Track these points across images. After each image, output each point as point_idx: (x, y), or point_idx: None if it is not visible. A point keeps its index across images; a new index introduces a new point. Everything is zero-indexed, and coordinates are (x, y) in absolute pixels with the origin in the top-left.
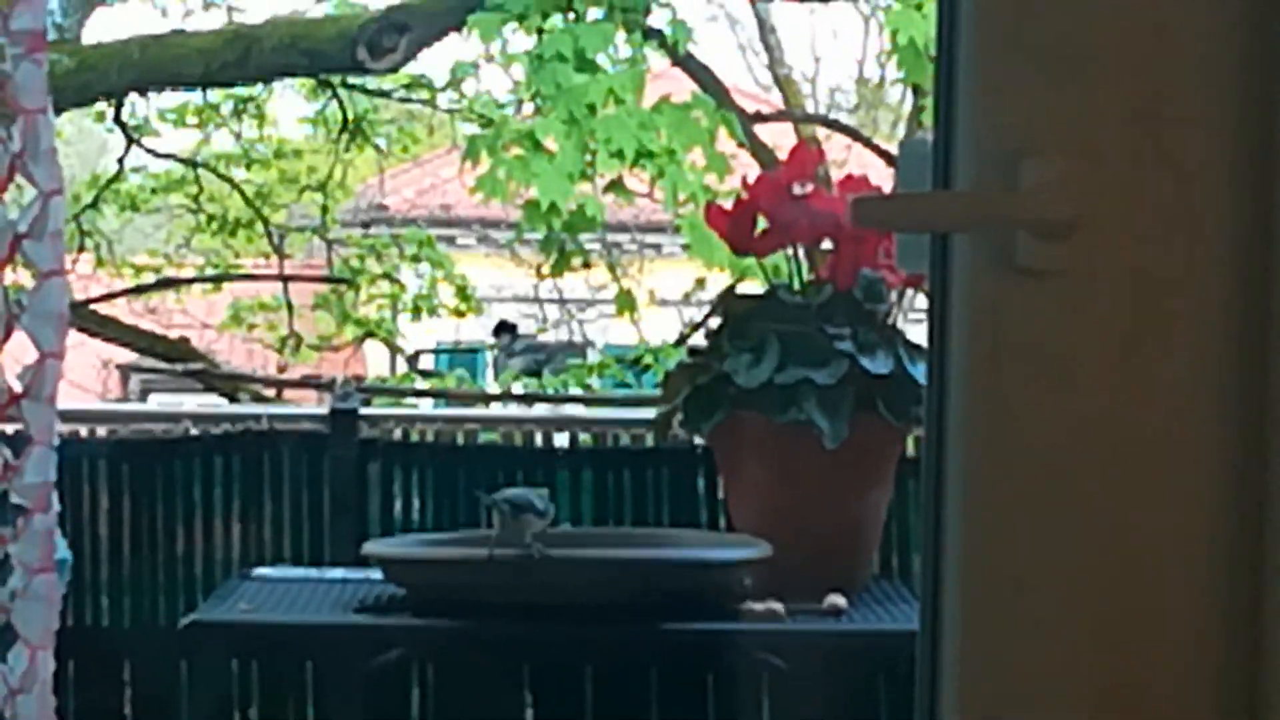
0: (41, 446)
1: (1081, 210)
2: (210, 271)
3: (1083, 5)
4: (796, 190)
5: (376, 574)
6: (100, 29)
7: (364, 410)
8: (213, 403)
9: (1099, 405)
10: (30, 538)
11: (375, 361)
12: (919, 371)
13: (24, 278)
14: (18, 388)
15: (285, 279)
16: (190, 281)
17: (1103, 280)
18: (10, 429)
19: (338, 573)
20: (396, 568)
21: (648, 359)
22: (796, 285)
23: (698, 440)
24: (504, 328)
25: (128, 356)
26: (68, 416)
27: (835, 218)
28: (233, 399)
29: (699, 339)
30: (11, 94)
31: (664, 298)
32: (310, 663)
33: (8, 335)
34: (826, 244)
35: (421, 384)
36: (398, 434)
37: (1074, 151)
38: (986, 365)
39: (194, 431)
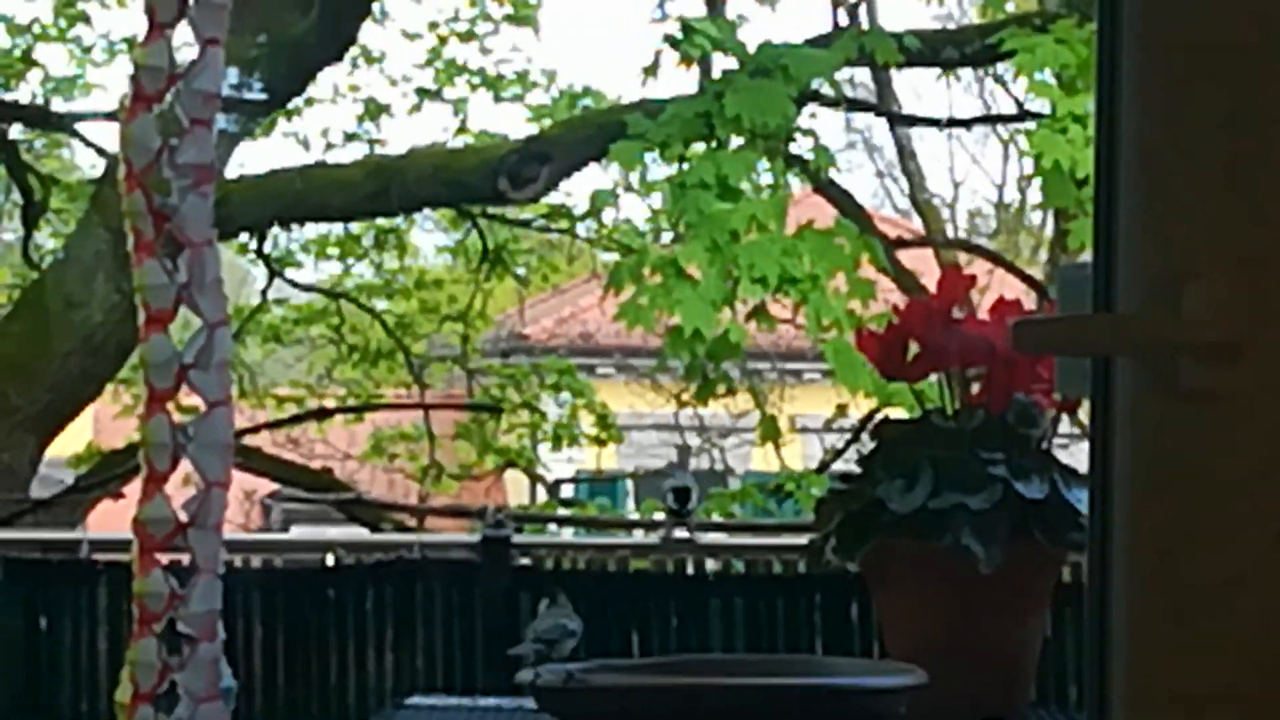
0: (207, 575)
1: (1247, 333)
2: (352, 402)
3: (1242, 125)
4: (955, 314)
5: (530, 703)
6: (243, 163)
7: (515, 539)
8: (356, 534)
9: (1267, 531)
10: (196, 666)
11: (515, 491)
12: (1074, 496)
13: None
14: (183, 517)
15: (429, 406)
16: (337, 412)
17: (1270, 404)
18: (170, 558)
19: (491, 701)
20: (550, 696)
21: (789, 486)
22: (948, 410)
23: (851, 566)
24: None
25: (269, 489)
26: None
27: (987, 342)
28: (375, 529)
29: (841, 465)
30: (178, 226)
31: (804, 424)
32: None
33: (174, 465)
34: (972, 371)
35: (565, 512)
36: (549, 562)
37: (1238, 272)
38: (1150, 490)
39: (347, 560)
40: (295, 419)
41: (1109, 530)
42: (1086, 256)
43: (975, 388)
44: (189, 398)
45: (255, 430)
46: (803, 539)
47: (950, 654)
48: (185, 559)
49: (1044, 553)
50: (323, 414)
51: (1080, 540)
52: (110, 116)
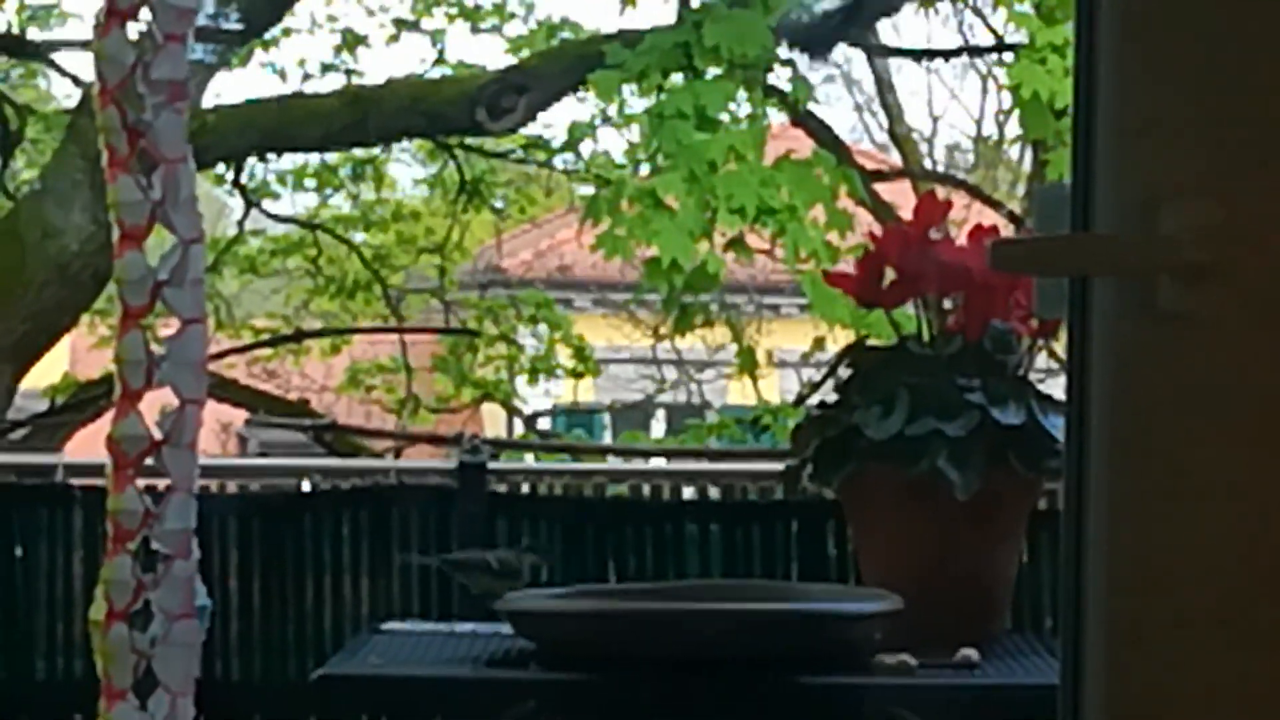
0: (181, 493)
1: (1224, 253)
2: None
3: (1221, 49)
4: (932, 235)
5: (506, 628)
6: (219, 93)
7: (491, 465)
8: (333, 460)
9: (1245, 448)
10: (171, 584)
11: (493, 424)
12: (1050, 423)
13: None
14: (158, 435)
15: (407, 330)
16: (312, 335)
17: (1246, 322)
18: (145, 482)
19: (468, 626)
20: (526, 621)
21: (766, 419)
22: (925, 337)
23: (827, 493)
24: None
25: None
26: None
27: (964, 268)
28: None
29: (819, 397)
30: (152, 142)
31: (782, 358)
32: (440, 717)
33: (149, 383)
34: (948, 303)
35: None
36: (525, 488)
37: (1216, 193)
38: (1128, 410)
39: (323, 486)
40: (270, 342)
41: (1085, 451)
42: None
43: (952, 315)
44: (165, 329)
45: (230, 353)
46: (779, 466)
47: (926, 580)
48: (160, 483)
49: (1020, 479)
50: (299, 337)
51: (1057, 467)
52: (87, 46)
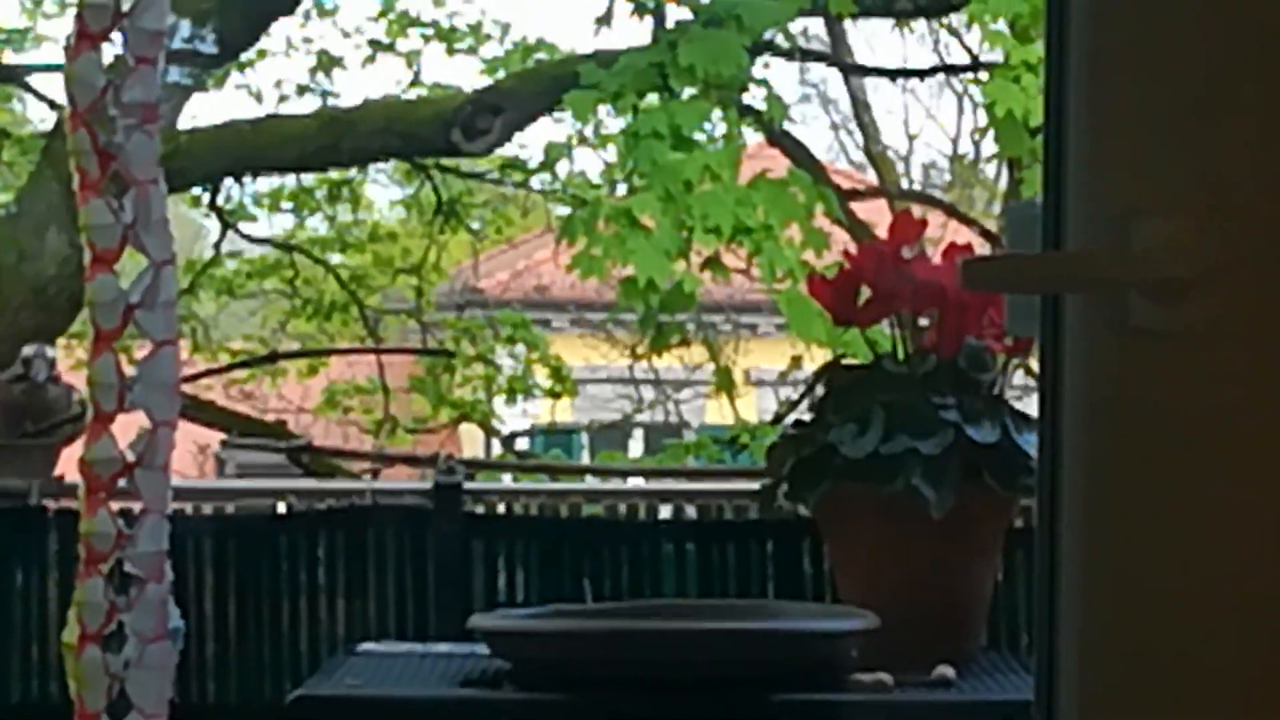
0: (155, 515)
1: (1197, 269)
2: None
3: (1192, 64)
4: (905, 253)
5: (482, 648)
6: (195, 115)
7: (467, 485)
8: (308, 482)
9: (1217, 467)
10: (144, 607)
11: (471, 444)
12: (1025, 441)
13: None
14: (130, 457)
15: (384, 350)
16: (287, 357)
17: (1218, 339)
18: (119, 505)
19: (443, 647)
20: (502, 641)
21: (744, 438)
22: (900, 355)
23: (802, 511)
24: None
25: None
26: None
27: (939, 286)
28: (328, 477)
29: (796, 416)
30: (124, 165)
31: (759, 378)
32: None
33: (121, 405)
34: (924, 321)
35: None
36: (501, 508)
37: (1188, 209)
38: (1100, 427)
39: (298, 507)
40: (246, 364)
41: (1058, 469)
42: None
43: (927, 333)
44: (139, 351)
45: (207, 374)
46: (755, 485)
47: (902, 598)
48: (134, 506)
49: (995, 497)
50: (275, 358)
51: (1031, 484)
52: (61, 69)
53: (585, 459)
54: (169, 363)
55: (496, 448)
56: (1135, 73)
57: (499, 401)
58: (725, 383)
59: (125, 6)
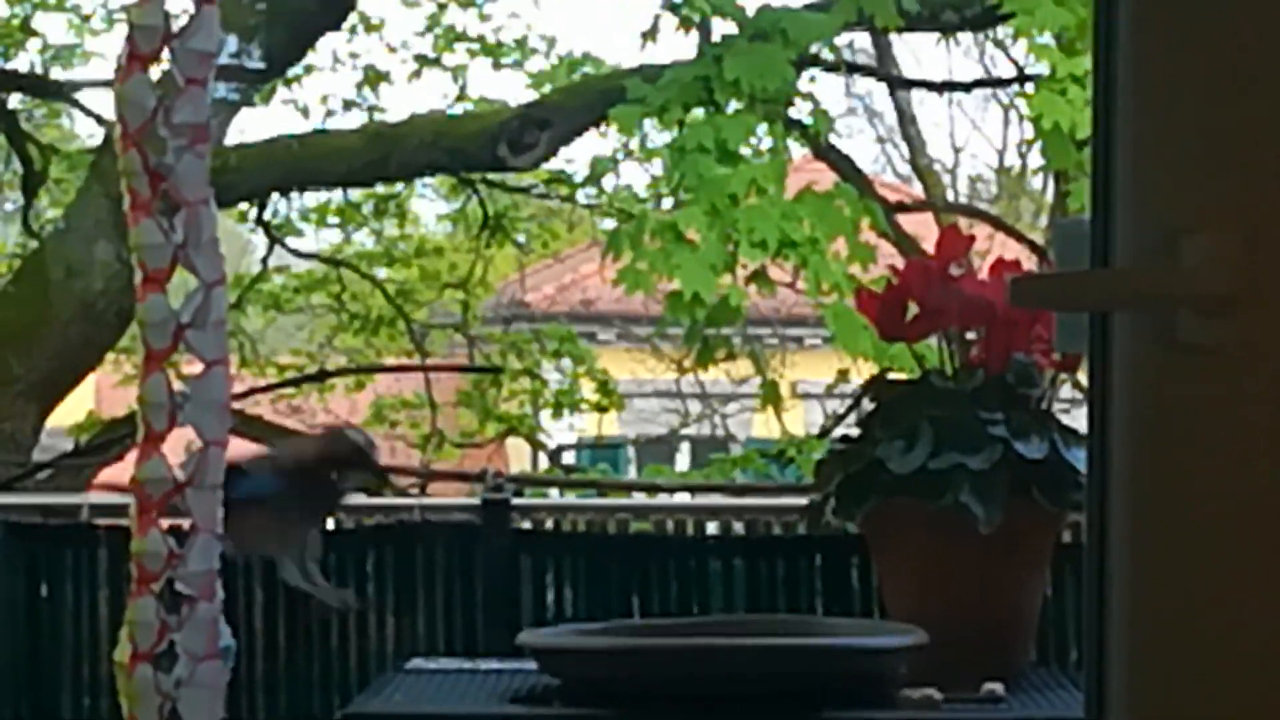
0: (206, 534)
1: (1245, 285)
2: None
3: (1240, 80)
4: (953, 271)
5: (531, 664)
6: (243, 130)
7: (515, 501)
8: (357, 498)
9: (1267, 483)
10: (195, 625)
11: (517, 458)
12: (1074, 456)
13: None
14: (181, 477)
15: (430, 368)
16: (336, 375)
17: (1269, 354)
18: (170, 523)
19: (492, 663)
20: (551, 658)
21: (791, 452)
22: (948, 371)
23: (850, 527)
24: None
25: None
26: None
27: (987, 302)
28: (377, 496)
29: (843, 429)
30: (174, 186)
31: (805, 390)
32: None
33: (172, 425)
34: (971, 335)
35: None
36: (549, 524)
37: (1236, 225)
38: (1150, 444)
39: (347, 524)
40: (294, 381)
41: (1107, 485)
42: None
43: (975, 349)
44: (188, 365)
45: (252, 393)
46: (803, 501)
47: (950, 614)
48: (185, 523)
49: (1044, 512)
50: (322, 376)
51: (1080, 500)
52: (109, 85)
53: (631, 473)
54: (220, 382)
55: (543, 462)
56: (1182, 88)
57: (545, 415)
58: (772, 396)
59: (175, 27)
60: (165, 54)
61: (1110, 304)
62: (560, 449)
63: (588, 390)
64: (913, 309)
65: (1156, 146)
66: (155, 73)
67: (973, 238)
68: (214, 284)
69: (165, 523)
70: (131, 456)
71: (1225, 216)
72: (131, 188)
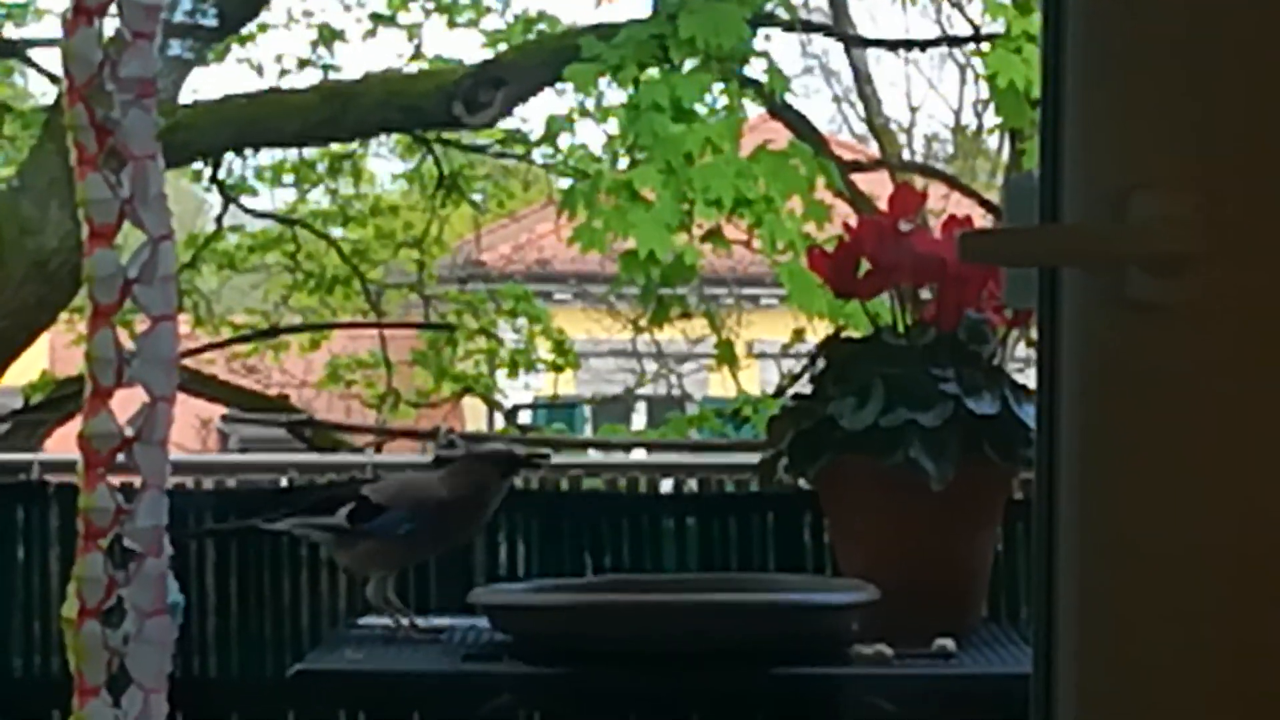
0: (153, 490)
1: (1194, 243)
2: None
3: (1190, 36)
4: (903, 226)
5: (483, 621)
6: (196, 89)
7: None
8: (310, 456)
9: (1213, 440)
10: (143, 581)
11: (474, 418)
12: (1025, 413)
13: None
14: (129, 432)
15: (385, 325)
16: (287, 331)
17: (1216, 313)
18: (119, 480)
19: (445, 620)
20: (503, 615)
21: (746, 411)
22: (900, 328)
23: (803, 484)
24: None
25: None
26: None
27: (939, 259)
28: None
29: (799, 388)
30: (121, 140)
31: (761, 350)
32: (418, 712)
33: (119, 380)
34: (924, 293)
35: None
36: None
37: (1186, 183)
38: (1097, 400)
39: (300, 482)
40: (246, 338)
41: (1056, 441)
42: None
43: (927, 306)
44: (141, 325)
45: (206, 349)
46: (756, 458)
47: (902, 570)
48: (134, 480)
49: (995, 469)
50: (275, 332)
51: (1031, 456)
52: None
53: (588, 432)
54: (167, 338)
55: (499, 421)
56: (1132, 45)
57: (501, 375)
58: (727, 356)
59: None
60: (112, 8)
61: (1059, 260)
62: (516, 408)
63: (543, 350)
64: (865, 266)
65: (1108, 102)
66: (105, 28)
67: (925, 195)
68: (161, 239)
69: (114, 480)
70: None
71: (1176, 175)
72: (78, 142)
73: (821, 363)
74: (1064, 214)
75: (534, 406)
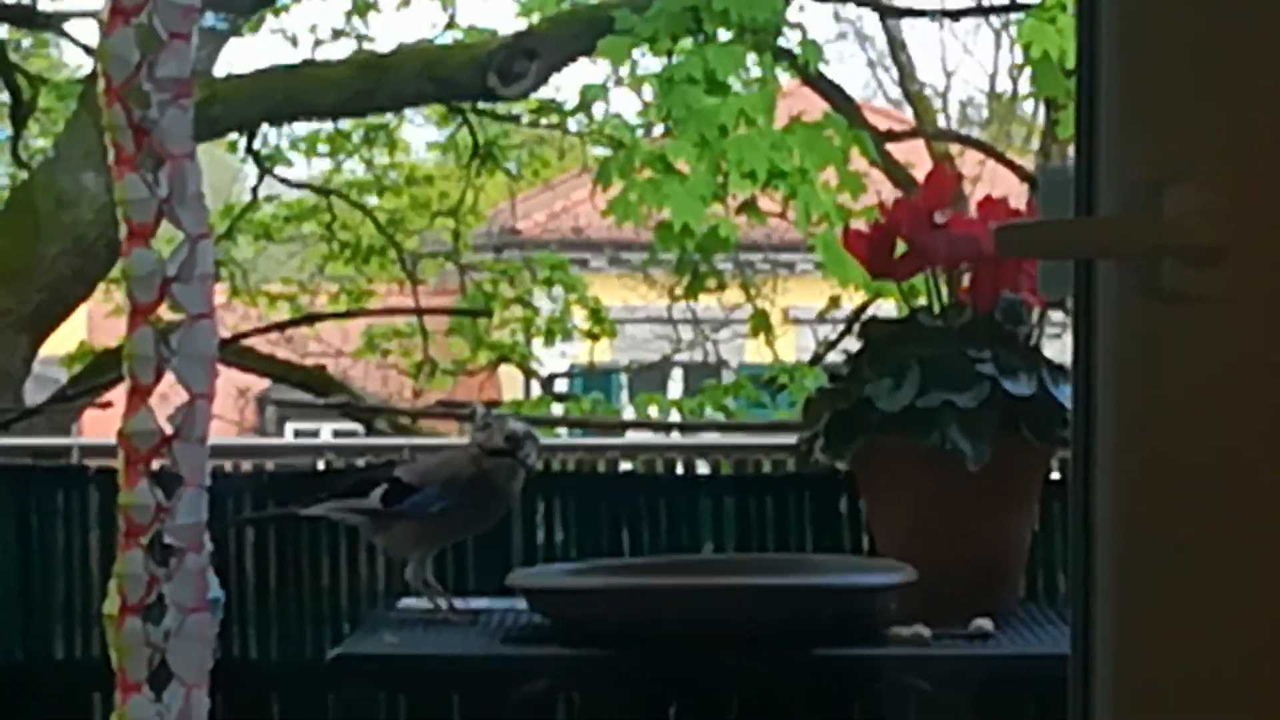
0: (193, 488)
1: (1229, 235)
2: (344, 298)
3: (1227, 27)
4: (937, 218)
5: (521, 604)
6: (231, 61)
7: None
8: (350, 431)
9: (1248, 429)
10: (183, 578)
11: (510, 386)
12: (1062, 393)
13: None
14: (168, 430)
15: (420, 311)
16: (329, 317)
17: (1252, 305)
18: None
19: (483, 603)
20: (541, 597)
21: (783, 379)
22: (936, 309)
23: (840, 465)
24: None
25: (264, 385)
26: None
27: (974, 240)
28: (369, 427)
29: (834, 357)
30: (158, 140)
31: (797, 316)
32: (456, 694)
33: (158, 378)
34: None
35: (557, 409)
36: (539, 464)
37: (1220, 175)
38: (1133, 390)
39: (337, 464)
40: (282, 325)
41: (1092, 427)
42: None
43: (963, 286)
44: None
45: (241, 337)
46: (793, 439)
47: (939, 551)
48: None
49: (1032, 449)
50: (310, 320)
51: (1068, 437)
52: (96, 15)
53: (624, 400)
54: (206, 336)
55: (535, 389)
56: (1167, 37)
57: (537, 343)
58: (762, 324)
59: None
60: (147, 7)
61: (1095, 252)
62: (553, 376)
63: (579, 318)
64: (900, 247)
65: (1142, 92)
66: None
67: (960, 175)
68: (199, 238)
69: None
70: (118, 396)
71: (1210, 167)
72: (116, 143)
73: (858, 343)
74: (1099, 206)
75: (570, 375)
